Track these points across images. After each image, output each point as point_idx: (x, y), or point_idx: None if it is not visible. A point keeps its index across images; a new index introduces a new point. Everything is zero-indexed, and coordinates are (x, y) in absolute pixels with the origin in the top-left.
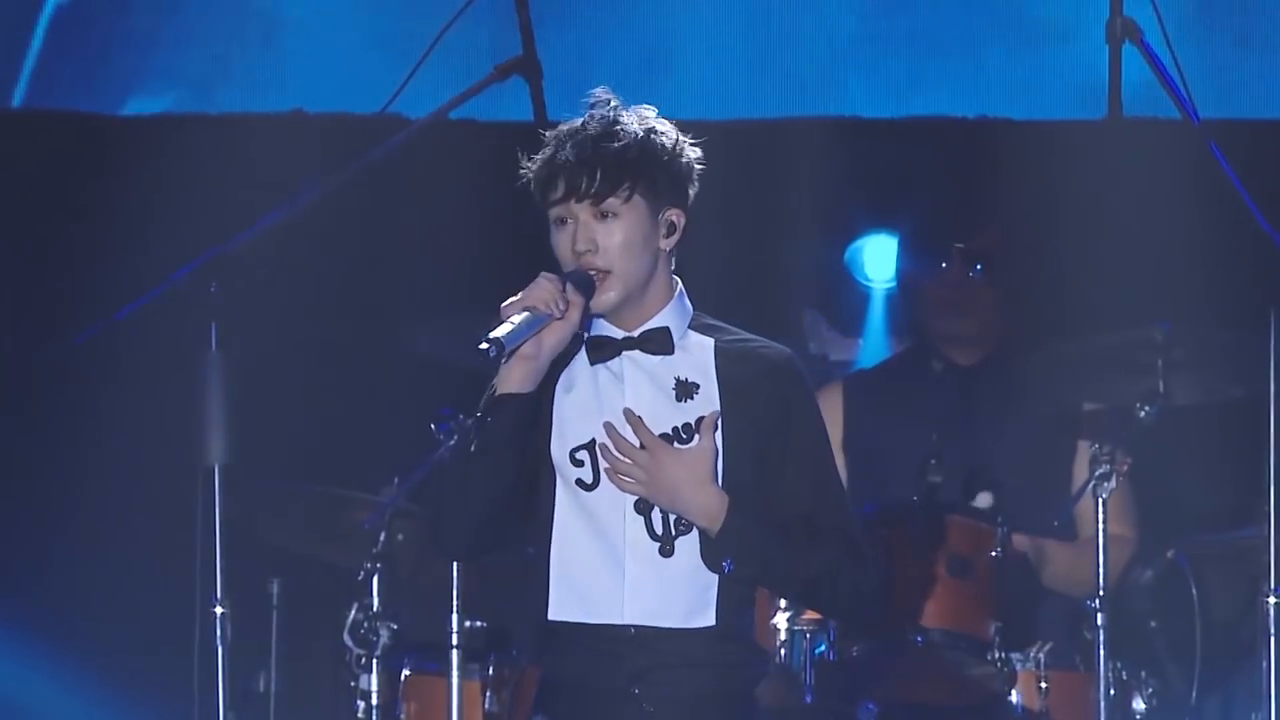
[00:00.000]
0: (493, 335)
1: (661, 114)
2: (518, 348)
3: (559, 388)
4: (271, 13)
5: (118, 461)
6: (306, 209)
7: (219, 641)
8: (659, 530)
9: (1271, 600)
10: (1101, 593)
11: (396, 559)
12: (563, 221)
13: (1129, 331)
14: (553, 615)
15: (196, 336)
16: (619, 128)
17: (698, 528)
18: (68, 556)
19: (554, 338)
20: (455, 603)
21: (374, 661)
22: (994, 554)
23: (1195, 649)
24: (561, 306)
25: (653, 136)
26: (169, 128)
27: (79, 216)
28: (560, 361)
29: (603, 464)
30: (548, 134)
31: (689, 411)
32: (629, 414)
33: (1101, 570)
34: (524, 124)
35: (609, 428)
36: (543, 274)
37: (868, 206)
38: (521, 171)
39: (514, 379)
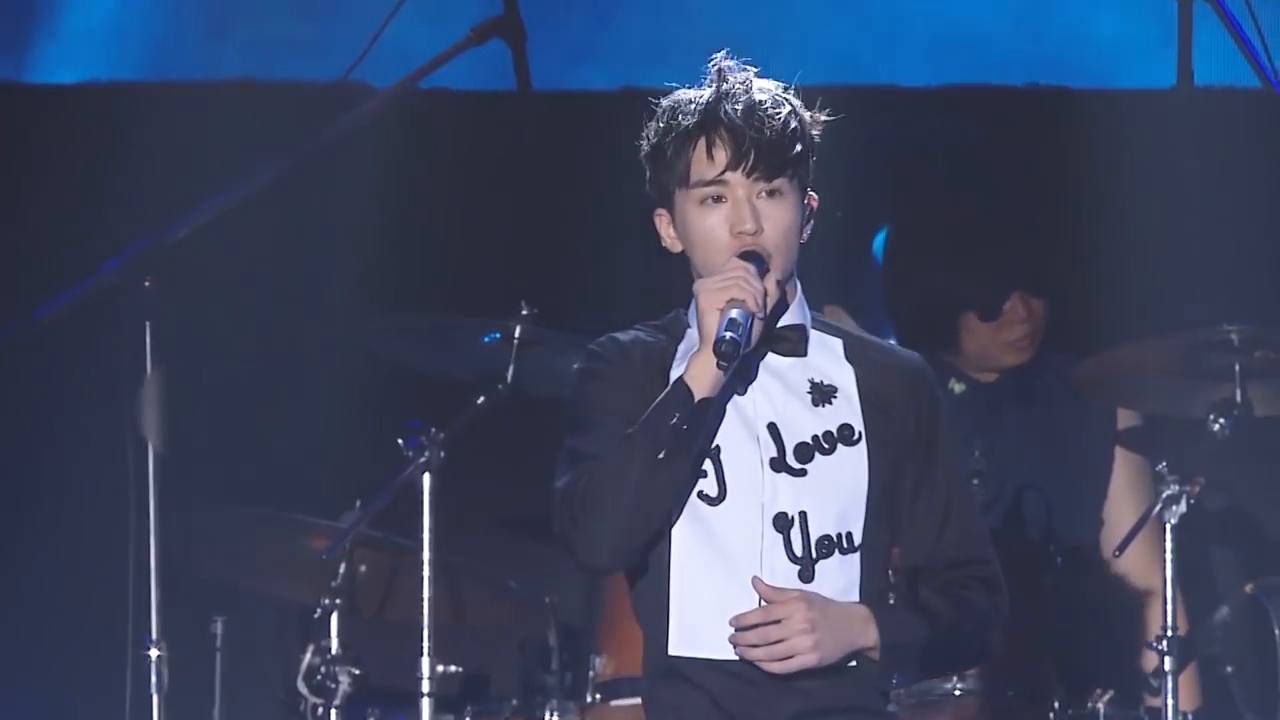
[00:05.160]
0: (729, 337)
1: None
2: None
3: None
4: None
5: (38, 483)
6: (256, 191)
7: (154, 689)
8: (799, 551)
9: None
10: (1170, 633)
11: (358, 594)
12: (716, 199)
13: (1201, 332)
14: (675, 650)
15: (129, 338)
16: (773, 96)
17: (858, 655)
18: None
19: (753, 337)
20: (426, 644)
21: (333, 711)
22: (1048, 586)
23: (1278, 697)
24: (765, 306)
25: (800, 110)
26: (97, 98)
27: None
28: (674, 357)
29: (758, 655)
30: (665, 102)
31: (828, 418)
32: (756, 581)
33: (1170, 608)
34: (505, 93)
35: (740, 620)
36: (737, 262)
37: (899, 188)
38: (641, 143)
39: (711, 382)
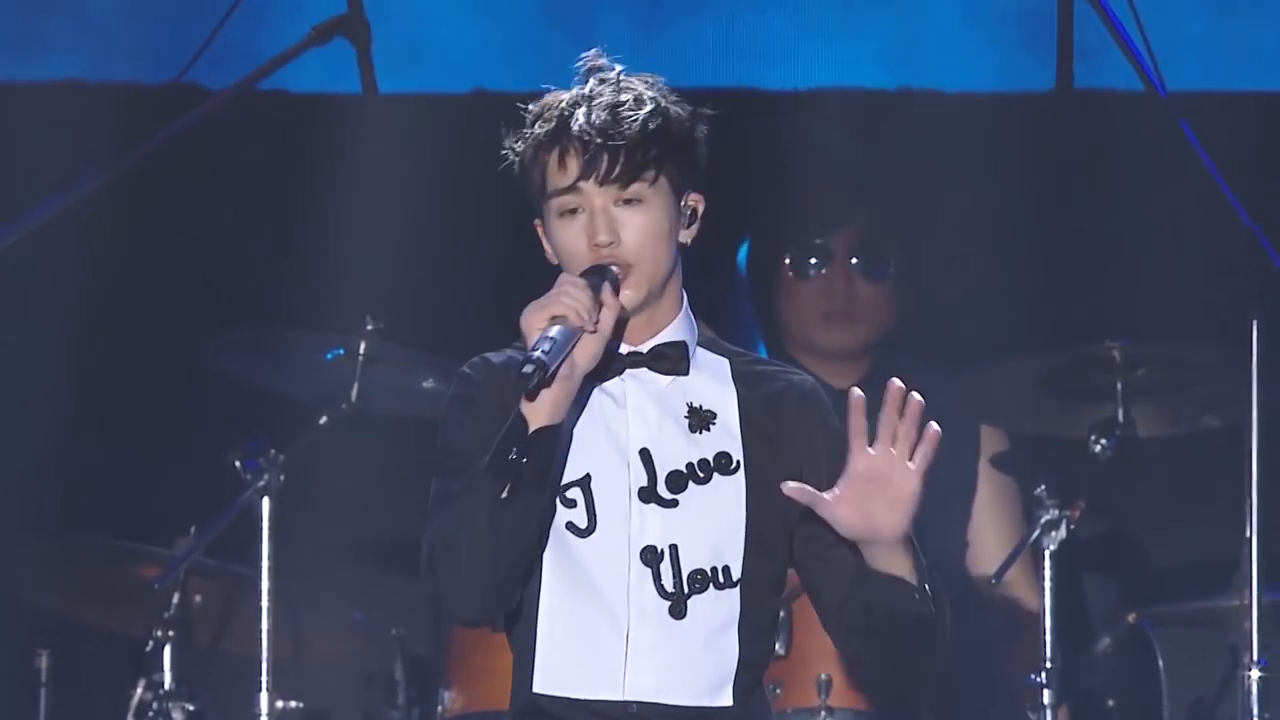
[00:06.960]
0: (535, 356)
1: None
2: (557, 370)
3: None
4: None
5: None
6: (82, 199)
7: None
8: (669, 586)
9: (1254, 674)
10: (1049, 665)
11: (193, 625)
12: (573, 211)
13: (1080, 348)
14: (539, 688)
15: None
16: (637, 95)
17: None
18: None
19: (587, 354)
20: (265, 678)
21: None
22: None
23: None
24: (595, 318)
25: (673, 107)
26: None
27: None
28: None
29: None
30: (533, 107)
31: (705, 445)
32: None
33: (1049, 639)
34: (349, 96)
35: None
36: (565, 277)
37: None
38: (505, 153)
39: (547, 408)
